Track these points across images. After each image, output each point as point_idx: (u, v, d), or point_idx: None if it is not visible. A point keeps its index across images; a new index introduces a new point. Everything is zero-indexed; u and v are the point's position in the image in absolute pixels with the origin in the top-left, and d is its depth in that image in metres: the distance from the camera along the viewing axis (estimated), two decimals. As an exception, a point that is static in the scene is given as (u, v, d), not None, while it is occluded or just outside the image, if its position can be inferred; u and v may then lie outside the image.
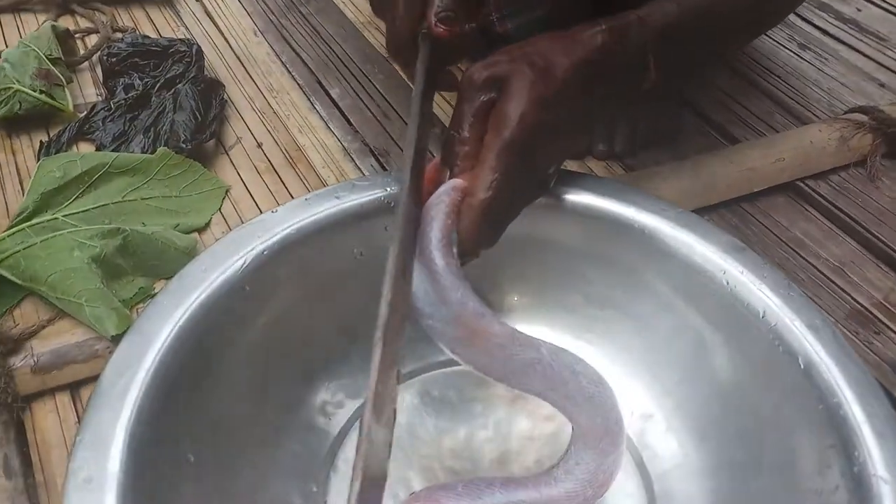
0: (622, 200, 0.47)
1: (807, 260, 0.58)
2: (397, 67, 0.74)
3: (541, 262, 0.49)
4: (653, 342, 0.46)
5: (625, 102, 0.51)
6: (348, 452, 0.44)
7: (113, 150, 0.63)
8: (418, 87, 0.43)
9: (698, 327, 0.44)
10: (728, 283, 0.43)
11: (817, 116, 0.71)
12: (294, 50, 0.79)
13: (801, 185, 0.63)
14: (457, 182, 0.39)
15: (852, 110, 0.67)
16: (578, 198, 0.47)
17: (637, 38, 0.43)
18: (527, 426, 0.46)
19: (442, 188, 0.39)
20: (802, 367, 0.39)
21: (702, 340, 0.44)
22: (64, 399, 0.48)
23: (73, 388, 0.48)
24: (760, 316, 0.41)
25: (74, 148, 0.65)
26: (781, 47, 0.79)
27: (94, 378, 0.48)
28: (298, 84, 0.74)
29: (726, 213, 0.61)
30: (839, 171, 0.65)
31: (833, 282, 0.56)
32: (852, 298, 0.55)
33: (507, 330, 0.37)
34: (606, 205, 0.47)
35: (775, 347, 0.40)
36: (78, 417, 0.47)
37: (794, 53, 0.79)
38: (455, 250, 0.38)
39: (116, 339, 0.47)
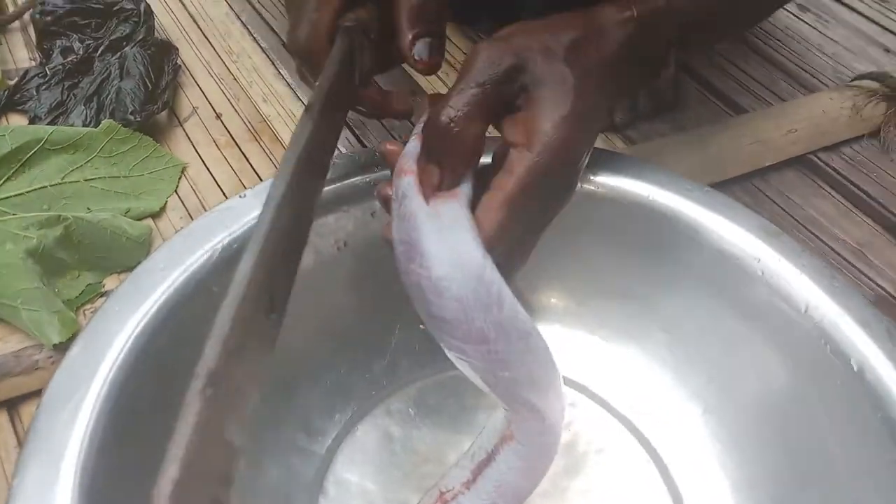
0: (639, 178, 0.42)
1: (824, 242, 0.53)
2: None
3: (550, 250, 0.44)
4: (680, 339, 0.41)
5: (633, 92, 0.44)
6: (338, 474, 0.39)
7: (49, 123, 0.55)
8: (320, 95, 0.32)
9: (731, 324, 0.39)
10: (763, 274, 0.38)
11: (823, 84, 0.66)
12: (255, 9, 0.71)
13: (814, 158, 0.59)
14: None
15: (861, 77, 0.63)
16: (588, 174, 0.42)
17: (665, 28, 0.36)
18: (537, 436, 0.41)
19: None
20: (855, 369, 0.35)
21: (735, 338, 0.39)
22: (0, 418, 0.41)
23: (11, 405, 0.41)
24: (803, 311, 0.37)
25: (4, 121, 0.57)
26: (780, 9, 0.74)
27: (35, 394, 0.41)
28: (261, 47, 0.67)
29: (737, 191, 0.56)
30: (851, 142, 0.60)
31: (854, 266, 0.52)
32: (876, 284, 0.50)
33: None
34: (621, 183, 0.42)
35: (822, 347, 0.36)
36: (18, 440, 0.40)
37: (794, 15, 0.74)
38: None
39: (60, 348, 0.41)
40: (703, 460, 0.39)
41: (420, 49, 0.37)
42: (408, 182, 0.32)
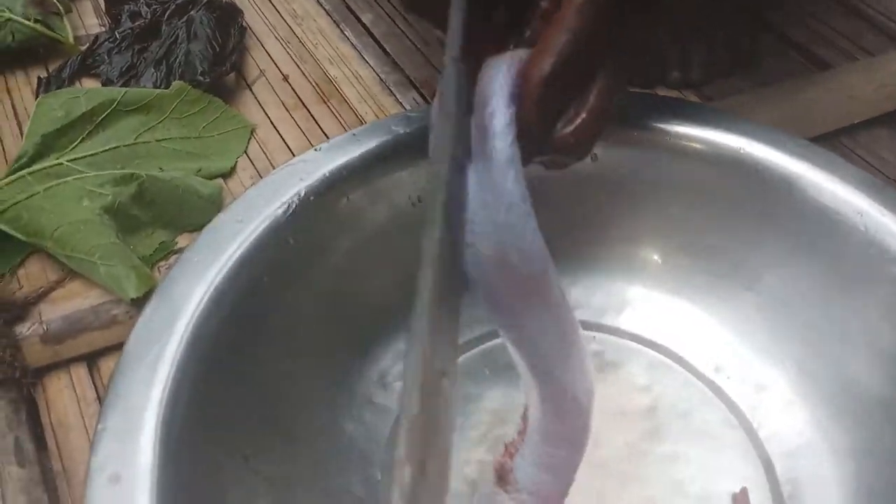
0: (729, 131, 0.40)
1: (920, 200, 0.50)
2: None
3: (630, 204, 0.42)
4: (771, 299, 0.39)
5: None
6: (413, 431, 0.38)
7: (121, 86, 0.55)
8: (453, 41, 0.30)
9: (827, 282, 0.37)
10: (866, 229, 0.36)
11: (915, 37, 0.62)
12: (318, -29, 0.70)
13: (907, 115, 0.56)
14: (522, 52, 0.29)
15: (959, 29, 0.59)
16: (673, 127, 0.40)
17: None
18: (618, 399, 0.40)
19: (502, 57, 0.28)
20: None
21: (832, 297, 0.37)
22: (80, 372, 0.41)
23: (90, 359, 0.41)
24: (911, 267, 0.34)
25: (78, 84, 0.57)
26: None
27: (114, 347, 0.41)
28: (325, 9, 0.66)
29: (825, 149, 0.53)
30: (947, 98, 0.57)
31: (955, 225, 0.48)
32: (980, 244, 0.47)
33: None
34: (709, 135, 0.40)
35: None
36: (97, 393, 0.40)
37: (883, -33, 0.69)
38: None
39: (137, 303, 0.41)
40: (796, 424, 0.37)
41: None
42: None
